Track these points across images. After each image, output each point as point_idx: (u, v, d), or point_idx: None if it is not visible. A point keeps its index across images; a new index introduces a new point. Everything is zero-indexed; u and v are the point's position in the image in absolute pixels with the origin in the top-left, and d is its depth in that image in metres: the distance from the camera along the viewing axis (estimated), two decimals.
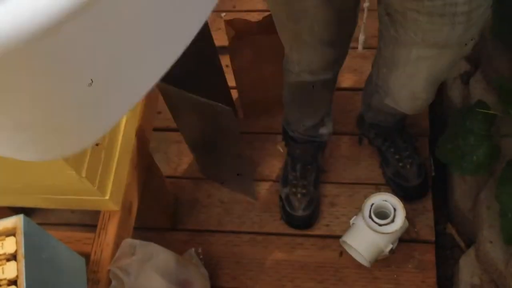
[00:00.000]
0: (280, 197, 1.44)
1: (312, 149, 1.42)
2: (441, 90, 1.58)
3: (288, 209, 1.41)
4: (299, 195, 1.40)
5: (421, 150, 1.47)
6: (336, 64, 1.17)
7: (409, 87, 1.09)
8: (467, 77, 1.47)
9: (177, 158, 1.56)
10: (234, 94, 1.56)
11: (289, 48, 1.11)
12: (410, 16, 0.90)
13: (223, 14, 1.78)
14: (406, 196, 1.38)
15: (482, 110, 1.06)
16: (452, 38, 0.91)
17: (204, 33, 1.29)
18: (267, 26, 1.39)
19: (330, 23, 0.99)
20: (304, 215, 1.40)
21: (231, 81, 1.50)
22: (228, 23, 1.38)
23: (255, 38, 1.35)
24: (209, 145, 1.36)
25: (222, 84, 1.49)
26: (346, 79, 1.62)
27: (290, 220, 1.42)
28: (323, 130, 1.39)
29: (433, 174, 1.46)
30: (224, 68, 1.46)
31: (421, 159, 1.42)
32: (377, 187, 1.46)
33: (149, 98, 1.22)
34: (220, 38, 1.63)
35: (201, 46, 1.29)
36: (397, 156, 1.41)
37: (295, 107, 1.33)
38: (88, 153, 0.95)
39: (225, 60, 1.48)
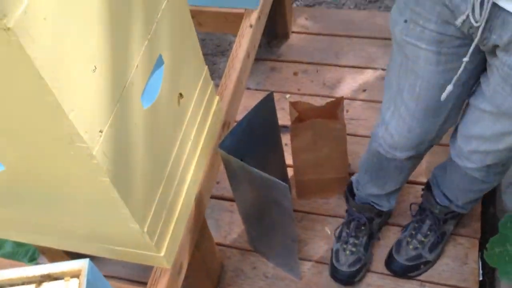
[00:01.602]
0: (332, 250, 1.50)
1: (369, 212, 1.46)
2: (494, 193, 1.59)
3: (334, 262, 1.47)
4: (347, 252, 1.46)
5: (471, 252, 1.46)
6: (417, 145, 1.20)
7: (468, 128, 1.13)
8: None
9: (228, 227, 1.61)
10: (290, 172, 1.62)
11: (386, 106, 1.18)
12: (492, 71, 0.97)
13: (287, 96, 1.88)
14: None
15: None
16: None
17: (270, 111, 1.38)
18: (328, 111, 1.48)
19: (432, 88, 1.05)
20: (348, 271, 1.45)
21: (288, 159, 1.57)
22: (293, 104, 1.47)
23: (316, 121, 1.43)
24: (261, 218, 1.41)
25: (280, 161, 1.55)
26: None
27: (334, 273, 1.47)
28: (385, 203, 1.44)
29: (480, 278, 1.43)
30: (283, 147, 1.54)
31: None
32: (422, 284, 1.44)
33: (212, 167, 1.29)
34: (283, 118, 1.73)
35: (266, 123, 1.38)
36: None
37: (367, 173, 1.40)
38: (152, 210, 1.03)
39: (285, 139, 1.56)
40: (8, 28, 0.62)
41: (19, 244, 1.72)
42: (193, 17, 1.11)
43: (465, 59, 0.94)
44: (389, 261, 1.47)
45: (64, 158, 0.83)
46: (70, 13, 0.72)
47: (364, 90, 1.85)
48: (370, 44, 1.98)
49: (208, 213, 1.62)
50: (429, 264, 1.46)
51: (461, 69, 0.97)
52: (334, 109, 1.48)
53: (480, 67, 1.03)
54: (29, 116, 0.77)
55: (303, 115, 1.49)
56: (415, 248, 1.44)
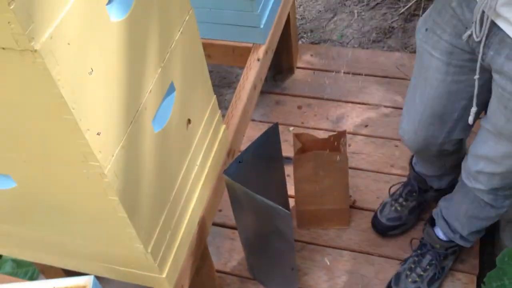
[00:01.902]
0: (382, 202, 1.63)
1: (422, 184, 1.54)
2: (493, 230, 1.61)
3: (378, 212, 1.61)
4: (393, 208, 1.58)
5: (469, 287, 1.47)
6: (423, 147, 1.29)
7: (477, 148, 1.19)
8: None
9: (228, 254, 1.63)
10: (292, 203, 1.65)
11: (405, 107, 1.29)
12: (492, 91, 1.05)
13: (291, 128, 1.92)
14: None
15: None
16: (505, 130, 1.05)
17: (275, 142, 1.42)
18: (331, 144, 1.52)
19: (439, 96, 1.15)
20: (385, 224, 1.58)
21: (290, 190, 1.60)
22: (297, 136, 1.51)
23: (318, 153, 1.47)
24: (262, 245, 1.43)
25: (282, 191, 1.58)
26: None
27: (374, 221, 1.61)
28: (435, 182, 1.52)
29: None
30: (286, 177, 1.57)
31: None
32: None
33: (216, 194, 1.32)
34: (286, 149, 1.76)
35: (270, 153, 1.42)
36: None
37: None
38: (157, 231, 1.05)
39: (288, 170, 1.59)
40: (35, 50, 0.67)
41: (19, 265, 1.74)
42: (203, 49, 1.17)
43: (476, 76, 1.04)
44: None
45: (76, 175, 0.87)
46: (92, 39, 0.77)
47: (366, 126, 1.90)
48: (373, 82, 2.04)
49: (210, 240, 1.64)
50: None
51: (476, 84, 1.04)
52: (336, 142, 1.52)
53: (487, 87, 1.09)
54: (46, 133, 0.81)
55: (306, 146, 1.53)
56: (414, 282, 1.45)
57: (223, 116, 1.44)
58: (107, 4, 0.80)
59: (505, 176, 1.16)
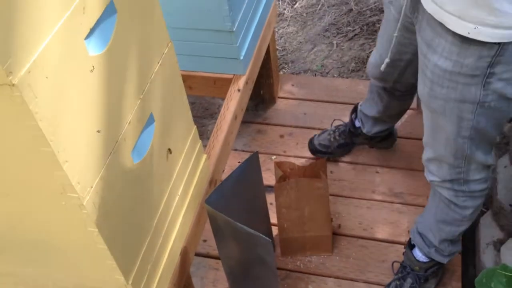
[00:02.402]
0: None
1: (353, 128, 1.81)
2: (474, 254, 1.63)
3: (317, 134, 1.89)
4: (328, 137, 1.85)
5: None
6: (380, 79, 1.52)
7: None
8: (500, 244, 1.52)
9: (212, 285, 1.62)
10: (274, 231, 1.66)
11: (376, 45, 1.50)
12: None
13: (273, 157, 1.94)
14: None
15: (506, 273, 1.09)
16: (423, 97, 1.17)
17: (256, 170, 1.43)
18: (311, 171, 1.54)
19: (390, 45, 1.28)
20: (314, 147, 1.87)
21: (273, 218, 1.61)
22: (278, 164, 1.53)
23: (299, 180, 1.49)
24: (245, 275, 1.43)
25: (265, 220, 1.59)
26: (382, 231, 1.69)
27: (310, 139, 1.89)
28: (367, 126, 1.74)
29: None
30: (268, 206, 1.58)
31: None
32: None
33: (198, 223, 1.33)
34: (268, 178, 1.78)
35: (252, 181, 1.43)
36: None
37: (368, 92, 1.71)
38: (138, 262, 1.05)
39: (270, 198, 1.61)
40: (13, 84, 0.69)
41: None
42: (184, 81, 1.19)
43: (395, 34, 1.22)
44: None
45: (54, 207, 0.87)
46: (70, 73, 0.79)
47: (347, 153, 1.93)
48: None
49: (193, 271, 1.63)
50: None
51: (394, 41, 1.22)
52: (317, 169, 1.55)
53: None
54: (24, 166, 0.82)
55: (287, 174, 1.55)
56: None
57: (205, 146, 1.46)
58: (85, 38, 0.82)
59: (451, 165, 1.22)
